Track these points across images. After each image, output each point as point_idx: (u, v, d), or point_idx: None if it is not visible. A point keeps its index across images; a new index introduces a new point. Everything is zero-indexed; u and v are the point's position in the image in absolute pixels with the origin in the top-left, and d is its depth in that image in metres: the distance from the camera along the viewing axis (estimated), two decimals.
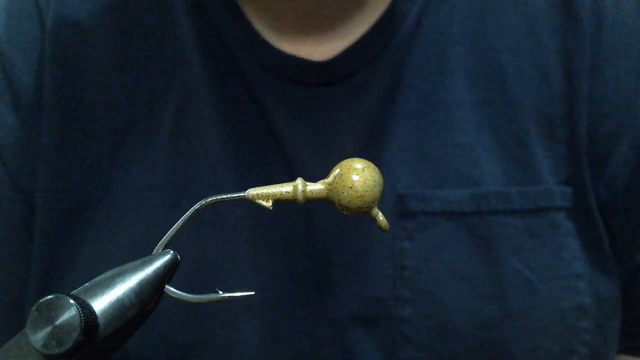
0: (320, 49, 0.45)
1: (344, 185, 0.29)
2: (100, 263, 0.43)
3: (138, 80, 0.45)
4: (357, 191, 0.29)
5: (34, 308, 0.25)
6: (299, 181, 0.29)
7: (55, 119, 0.45)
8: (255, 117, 0.45)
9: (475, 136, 0.44)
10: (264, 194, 0.29)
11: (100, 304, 0.27)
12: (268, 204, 0.29)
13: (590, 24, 0.45)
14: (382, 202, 0.43)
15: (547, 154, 0.45)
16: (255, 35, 0.45)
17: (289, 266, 0.44)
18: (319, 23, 0.45)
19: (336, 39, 0.45)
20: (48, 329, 0.25)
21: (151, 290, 0.28)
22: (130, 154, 0.45)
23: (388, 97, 0.45)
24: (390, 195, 0.44)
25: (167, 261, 0.28)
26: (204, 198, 0.29)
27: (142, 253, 0.29)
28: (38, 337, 0.25)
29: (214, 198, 0.29)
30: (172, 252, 0.29)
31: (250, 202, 0.30)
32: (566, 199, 0.44)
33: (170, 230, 0.29)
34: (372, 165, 0.30)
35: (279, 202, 0.30)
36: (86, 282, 0.28)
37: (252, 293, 0.30)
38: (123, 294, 0.27)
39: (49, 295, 0.26)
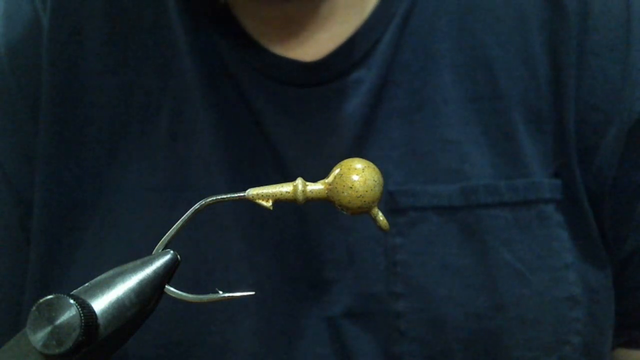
0: (310, 50, 0.45)
1: (344, 185, 0.29)
2: (97, 264, 0.44)
3: (133, 81, 0.45)
4: (357, 191, 0.29)
5: (34, 308, 0.25)
6: (299, 181, 0.29)
7: (52, 120, 0.45)
8: (247, 119, 0.45)
9: (464, 131, 0.45)
10: (264, 194, 0.29)
11: (100, 304, 0.27)
12: (268, 204, 0.29)
13: (577, 16, 0.45)
14: None
15: (535, 147, 0.45)
16: (246, 37, 0.45)
17: (282, 264, 0.44)
18: (307, 25, 0.45)
19: (325, 39, 0.45)
20: (48, 329, 0.25)
21: (151, 290, 0.28)
22: (126, 156, 0.45)
23: (377, 96, 0.45)
24: None
25: (167, 261, 0.28)
26: (199, 199, 0.29)
27: (138, 254, 0.29)
28: (38, 337, 0.25)
29: (214, 198, 0.29)
30: (172, 252, 0.29)
31: (250, 202, 0.29)
32: (555, 191, 0.45)
33: (170, 230, 0.29)
34: (372, 165, 0.29)
35: (278, 202, 0.29)
36: (83, 283, 0.28)
37: (252, 293, 0.30)
38: (123, 294, 0.27)
39: (48, 295, 0.25)
